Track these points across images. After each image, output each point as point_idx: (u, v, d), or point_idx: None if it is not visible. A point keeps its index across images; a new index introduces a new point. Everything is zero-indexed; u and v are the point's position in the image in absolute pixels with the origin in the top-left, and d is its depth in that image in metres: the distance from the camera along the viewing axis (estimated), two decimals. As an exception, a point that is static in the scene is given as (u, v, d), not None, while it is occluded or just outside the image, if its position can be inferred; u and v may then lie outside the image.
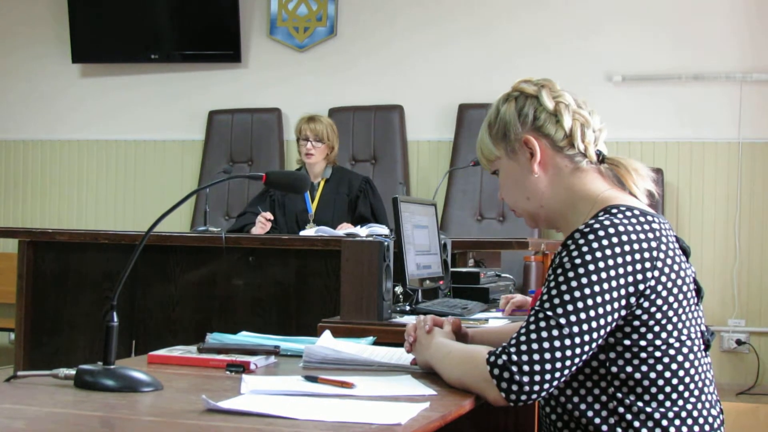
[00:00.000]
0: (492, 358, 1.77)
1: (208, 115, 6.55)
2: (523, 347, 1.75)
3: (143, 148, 6.75)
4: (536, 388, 1.74)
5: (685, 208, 5.77)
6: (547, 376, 1.74)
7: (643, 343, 1.81)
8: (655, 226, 1.86)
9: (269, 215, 4.73)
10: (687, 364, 1.84)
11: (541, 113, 1.97)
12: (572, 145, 1.96)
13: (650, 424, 1.80)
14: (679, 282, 1.85)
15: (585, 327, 1.75)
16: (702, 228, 5.73)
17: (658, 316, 1.81)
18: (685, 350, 1.84)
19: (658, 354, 1.82)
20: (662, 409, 1.81)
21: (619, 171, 1.97)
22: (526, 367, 1.74)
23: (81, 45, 6.70)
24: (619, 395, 1.82)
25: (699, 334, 1.89)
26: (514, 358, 1.75)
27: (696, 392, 1.85)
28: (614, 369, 1.82)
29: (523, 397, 1.75)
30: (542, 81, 2.02)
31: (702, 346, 1.89)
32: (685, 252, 1.94)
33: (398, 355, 2.15)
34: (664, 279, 1.82)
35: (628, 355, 1.82)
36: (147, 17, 6.63)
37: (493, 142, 2.03)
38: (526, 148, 1.98)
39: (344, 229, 4.43)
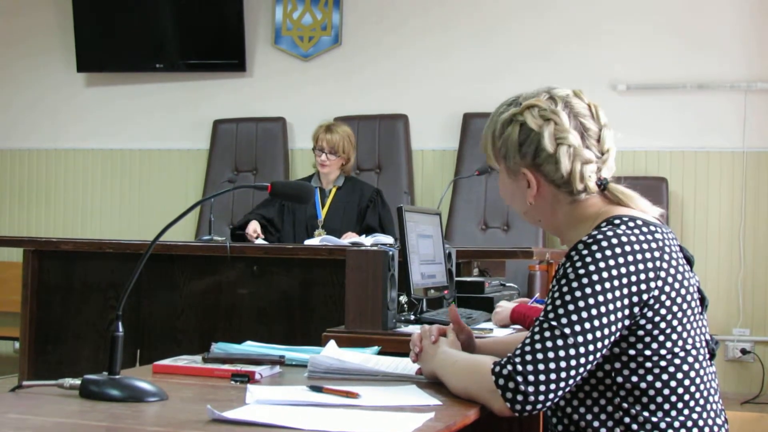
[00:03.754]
0: (497, 369, 1.77)
1: (212, 124, 6.56)
2: (528, 357, 1.75)
3: (148, 157, 6.76)
4: (541, 398, 1.74)
5: (690, 217, 5.76)
6: (552, 386, 1.74)
7: (647, 352, 1.81)
8: (658, 236, 1.86)
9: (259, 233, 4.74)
10: (692, 374, 1.84)
11: (541, 152, 1.92)
12: (570, 184, 1.93)
13: (655, 433, 1.80)
14: (683, 291, 1.85)
15: (589, 336, 1.75)
16: (707, 237, 5.72)
17: (663, 325, 1.81)
18: (690, 359, 1.84)
19: (663, 363, 1.82)
20: (668, 419, 1.81)
21: (620, 200, 1.94)
22: (531, 377, 1.74)
23: (86, 54, 6.72)
24: (625, 405, 1.82)
25: (704, 344, 1.89)
26: (519, 368, 1.75)
27: (701, 401, 1.85)
28: (619, 379, 1.82)
29: (528, 408, 1.75)
30: (549, 113, 1.92)
31: (707, 355, 1.89)
32: (689, 261, 1.94)
33: (403, 365, 2.14)
34: (667, 288, 1.82)
35: (633, 365, 1.82)
36: (152, 27, 6.64)
37: (495, 155, 2.01)
38: (525, 179, 1.96)
39: (349, 238, 4.44)
